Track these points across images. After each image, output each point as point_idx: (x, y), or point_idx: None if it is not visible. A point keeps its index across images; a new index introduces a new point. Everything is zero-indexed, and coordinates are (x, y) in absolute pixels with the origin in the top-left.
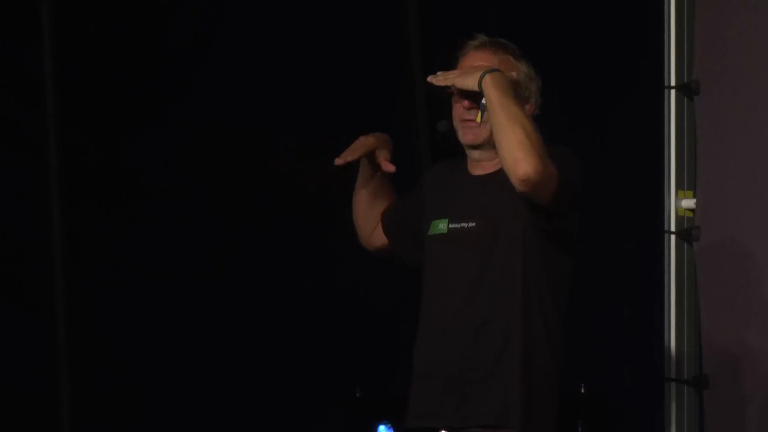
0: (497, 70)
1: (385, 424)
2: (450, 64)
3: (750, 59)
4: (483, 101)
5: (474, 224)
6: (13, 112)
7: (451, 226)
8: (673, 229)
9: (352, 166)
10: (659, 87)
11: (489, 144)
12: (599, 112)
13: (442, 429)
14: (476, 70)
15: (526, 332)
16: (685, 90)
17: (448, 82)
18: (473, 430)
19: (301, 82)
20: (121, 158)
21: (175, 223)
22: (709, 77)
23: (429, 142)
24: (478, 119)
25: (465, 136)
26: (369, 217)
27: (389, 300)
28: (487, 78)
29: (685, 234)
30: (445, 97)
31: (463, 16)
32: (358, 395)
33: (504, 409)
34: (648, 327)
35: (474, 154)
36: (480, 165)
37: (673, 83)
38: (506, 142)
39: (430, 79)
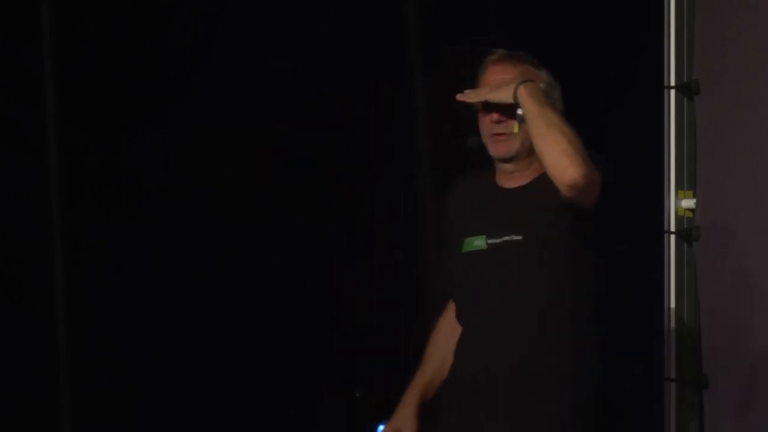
0: (530, 80)
1: (385, 424)
2: (449, 65)
3: (750, 59)
4: (519, 112)
5: (520, 237)
6: (13, 112)
7: (490, 241)
8: (673, 229)
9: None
10: (659, 87)
11: (521, 155)
12: (599, 112)
13: None
14: (508, 83)
15: (577, 340)
16: (685, 90)
17: (481, 98)
18: None
19: (301, 82)
20: (121, 158)
21: (175, 223)
22: (709, 77)
23: (429, 142)
24: (515, 130)
25: (497, 150)
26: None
27: (389, 300)
28: (522, 89)
29: (685, 234)
30: (469, 113)
31: (463, 16)
32: (358, 395)
33: (558, 417)
34: (648, 327)
35: (507, 167)
36: (513, 177)
37: (673, 83)
38: (550, 151)
39: (459, 97)
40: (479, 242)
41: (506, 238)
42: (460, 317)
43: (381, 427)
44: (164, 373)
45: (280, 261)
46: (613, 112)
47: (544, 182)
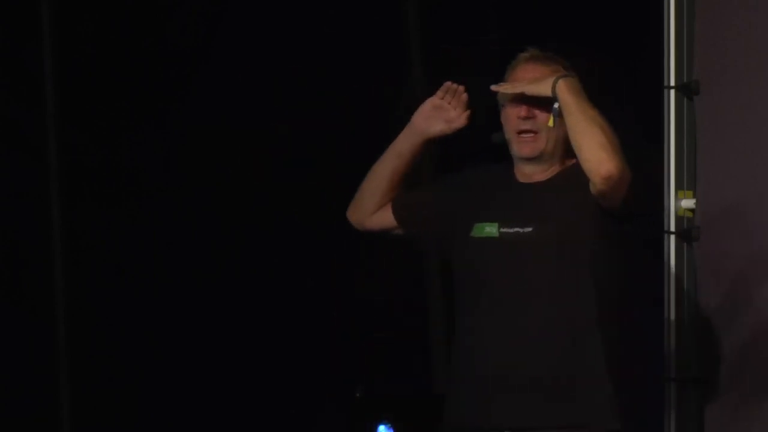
0: (569, 75)
1: (385, 424)
2: (451, 64)
3: (750, 59)
4: (555, 106)
5: (531, 229)
6: (13, 112)
7: (502, 230)
8: (673, 229)
9: None
10: (659, 87)
11: (544, 156)
12: (599, 111)
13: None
14: (546, 77)
15: (597, 334)
16: (685, 90)
17: (517, 90)
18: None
19: (301, 81)
20: (121, 158)
21: (175, 223)
22: (709, 77)
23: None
24: (550, 124)
25: (521, 149)
26: (384, 194)
27: (390, 300)
28: (561, 83)
29: (685, 234)
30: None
31: (463, 16)
32: (358, 395)
33: (577, 411)
34: (648, 327)
35: (526, 168)
36: (530, 176)
37: (673, 83)
38: (588, 144)
39: (494, 87)
40: (491, 229)
41: (517, 229)
42: (466, 302)
43: (381, 427)
44: (164, 373)
45: (280, 261)
46: (613, 112)
47: (562, 179)
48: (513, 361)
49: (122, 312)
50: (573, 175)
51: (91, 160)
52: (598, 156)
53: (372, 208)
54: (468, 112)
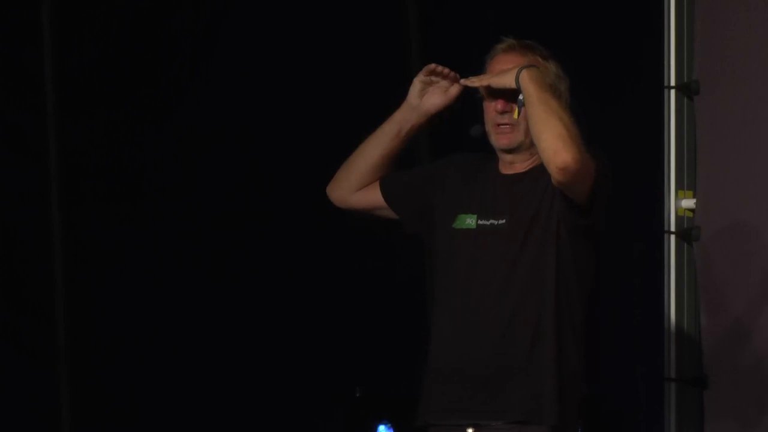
0: (534, 66)
1: (385, 424)
2: (450, 64)
3: (750, 59)
4: (520, 97)
5: (504, 221)
6: (13, 112)
7: (480, 222)
8: (673, 229)
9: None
10: (659, 87)
11: (523, 146)
12: (599, 112)
13: (468, 426)
14: (512, 69)
15: (557, 329)
16: (685, 90)
17: (484, 83)
18: (503, 425)
19: (301, 82)
20: (121, 158)
21: (175, 223)
22: (709, 77)
23: (427, 141)
24: (515, 116)
25: (499, 140)
26: (373, 173)
27: (390, 299)
28: (524, 73)
29: (685, 234)
30: (476, 101)
31: (463, 17)
32: (358, 395)
33: (535, 406)
34: (648, 327)
35: (507, 157)
36: (512, 166)
37: (673, 83)
38: (545, 134)
39: (463, 81)
40: (470, 221)
41: (493, 221)
42: (440, 294)
43: (381, 427)
44: (164, 373)
45: (280, 261)
46: (613, 112)
47: (539, 172)
48: (475, 355)
49: (122, 312)
50: None
51: (91, 160)
52: (554, 146)
53: (357, 185)
54: (457, 75)
